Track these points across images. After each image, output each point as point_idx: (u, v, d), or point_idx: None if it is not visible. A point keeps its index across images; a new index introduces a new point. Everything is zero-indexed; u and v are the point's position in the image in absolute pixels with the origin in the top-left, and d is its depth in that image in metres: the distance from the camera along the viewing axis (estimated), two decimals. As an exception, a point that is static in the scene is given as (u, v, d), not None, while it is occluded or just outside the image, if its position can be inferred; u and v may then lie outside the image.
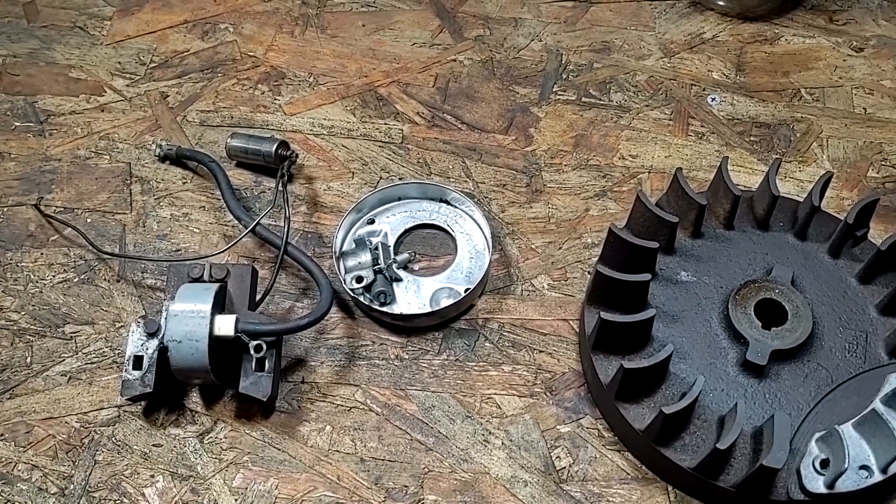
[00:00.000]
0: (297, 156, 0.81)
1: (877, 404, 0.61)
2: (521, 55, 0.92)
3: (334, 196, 0.82)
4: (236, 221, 0.77)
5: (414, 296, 0.74)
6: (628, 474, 0.66)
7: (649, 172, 0.83)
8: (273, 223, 0.79)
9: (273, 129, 0.86)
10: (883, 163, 0.83)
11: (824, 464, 0.60)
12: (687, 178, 0.81)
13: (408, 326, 0.73)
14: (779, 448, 0.57)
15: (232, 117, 0.88)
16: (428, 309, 0.73)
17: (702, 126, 0.86)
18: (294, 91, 0.90)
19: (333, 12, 0.96)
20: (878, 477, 0.59)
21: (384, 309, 0.72)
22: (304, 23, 0.95)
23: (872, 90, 0.88)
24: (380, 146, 0.85)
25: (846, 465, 0.57)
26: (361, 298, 0.72)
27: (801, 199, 0.73)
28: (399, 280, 0.75)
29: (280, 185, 0.77)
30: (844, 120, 0.86)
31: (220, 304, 0.68)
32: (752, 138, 0.85)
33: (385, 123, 0.87)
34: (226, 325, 0.65)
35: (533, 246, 0.78)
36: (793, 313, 0.66)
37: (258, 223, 0.75)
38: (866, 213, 0.70)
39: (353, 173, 0.83)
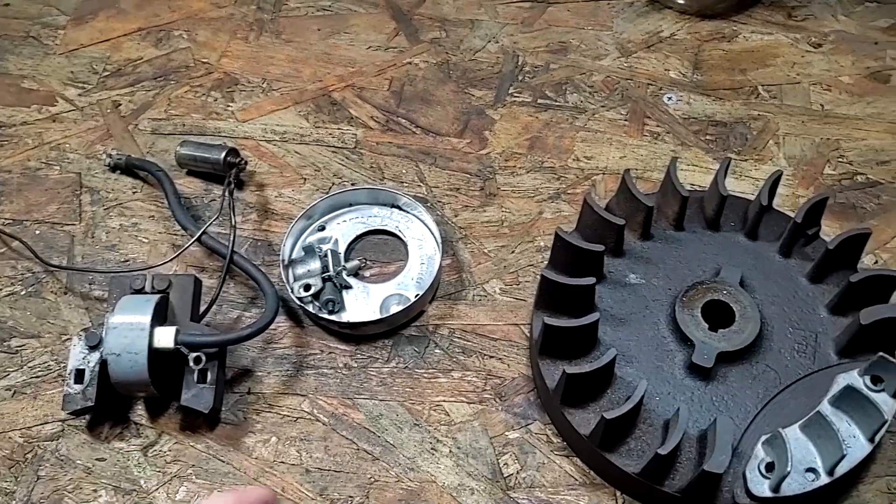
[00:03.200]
0: (245, 163, 0.80)
1: (822, 406, 0.60)
2: (477, 57, 0.91)
3: (285, 203, 0.81)
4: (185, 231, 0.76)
5: (364, 303, 0.73)
6: (576, 480, 0.65)
7: (604, 174, 0.82)
8: (222, 232, 0.78)
9: (225, 136, 0.86)
10: (840, 160, 0.82)
11: (770, 467, 0.59)
12: (641, 178, 0.81)
13: (357, 334, 0.72)
14: (721, 452, 0.56)
15: (184, 125, 0.87)
16: (377, 316, 0.72)
17: (657, 126, 0.85)
18: (247, 97, 0.89)
19: (289, 17, 0.96)
20: (824, 479, 0.59)
21: (332, 317, 0.71)
22: (258, 28, 0.95)
23: (830, 86, 0.87)
24: (333, 151, 0.84)
25: (789, 468, 0.57)
26: (309, 307, 0.72)
27: (753, 199, 0.72)
28: (349, 287, 0.74)
29: (227, 192, 0.76)
30: (801, 117, 0.85)
31: (162, 316, 0.67)
32: (707, 137, 0.84)
33: (338, 128, 0.86)
34: (165, 338, 0.64)
35: (485, 250, 0.77)
36: (740, 314, 0.65)
37: (204, 232, 0.74)
38: (816, 211, 0.69)
39: (304, 179, 0.82)
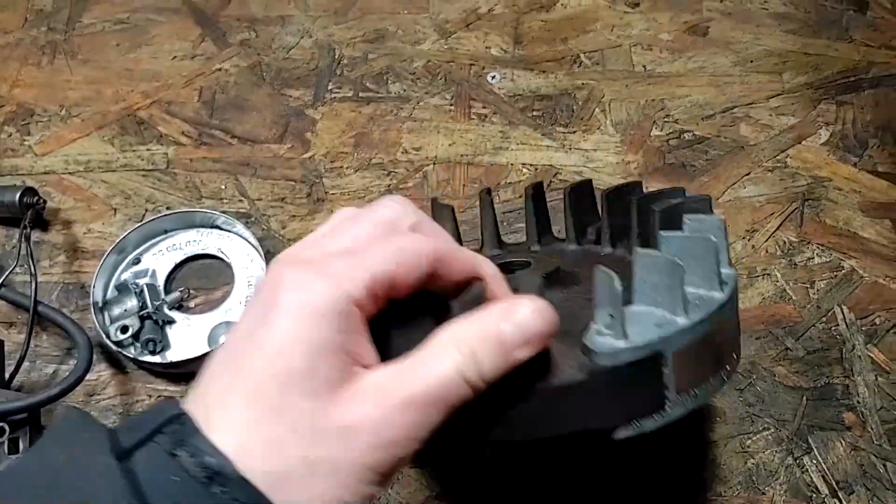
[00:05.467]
0: (44, 202, 0.74)
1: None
2: (291, 55, 0.86)
3: (96, 238, 0.74)
4: (-17, 285, 0.69)
5: (190, 337, 0.68)
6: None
7: (434, 163, 0.79)
8: (29, 280, 0.71)
9: (24, 175, 0.78)
10: (666, 119, 0.81)
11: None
12: (472, 163, 0.78)
13: (185, 372, 0.67)
14: None
15: (-24, 167, 0.79)
16: (205, 349, 0.67)
17: (483, 107, 0.82)
18: (45, 128, 0.81)
19: (84, 35, 0.88)
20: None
21: (155, 358, 0.66)
22: (51, 51, 0.87)
23: (651, 46, 0.87)
24: (143, 175, 0.78)
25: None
26: (129, 350, 0.66)
27: None
28: (172, 322, 0.69)
29: (23, 237, 0.70)
30: (625, 81, 0.84)
31: (-42, 387, 0.60)
32: (534, 113, 0.82)
33: (147, 149, 0.80)
34: (-40, 412, 0.58)
35: (319, 260, 0.73)
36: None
37: (2, 285, 0.67)
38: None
39: (115, 210, 0.76)
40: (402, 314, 0.39)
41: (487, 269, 0.42)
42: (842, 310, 0.70)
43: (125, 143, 0.80)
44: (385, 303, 0.37)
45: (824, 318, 0.69)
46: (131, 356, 0.66)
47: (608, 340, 0.40)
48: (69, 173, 0.78)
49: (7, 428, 0.59)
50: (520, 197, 0.76)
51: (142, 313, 0.67)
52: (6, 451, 0.60)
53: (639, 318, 0.40)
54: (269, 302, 0.35)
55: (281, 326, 0.34)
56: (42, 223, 0.75)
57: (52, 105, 0.83)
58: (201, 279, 0.72)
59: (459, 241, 0.61)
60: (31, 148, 0.80)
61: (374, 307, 0.37)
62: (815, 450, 0.63)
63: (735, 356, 0.46)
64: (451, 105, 0.82)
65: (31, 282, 0.67)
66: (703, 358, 0.42)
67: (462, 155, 0.79)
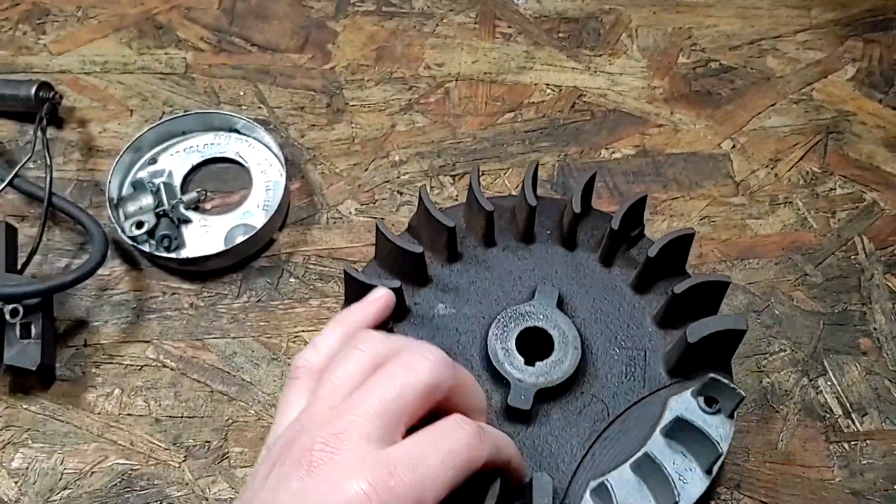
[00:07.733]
0: (60, 97, 0.72)
1: (653, 444, 0.53)
2: (313, -33, 0.85)
3: (111, 138, 0.73)
4: None
5: (206, 237, 0.68)
6: None
7: (456, 80, 0.77)
8: (42, 175, 0.70)
9: (39, 73, 0.77)
10: (693, 48, 0.80)
11: None
12: (496, 82, 0.77)
13: (201, 271, 0.67)
14: None
15: (-10, 63, 0.78)
16: (221, 248, 0.66)
17: (509, 27, 0.81)
18: (61, 27, 0.80)
19: (102, -63, 0.86)
20: None
21: (170, 255, 0.65)
22: (68, -49, 0.85)
23: (679, -25, 0.85)
24: (161, 78, 0.77)
25: None
26: (144, 246, 0.65)
27: (568, 199, 0.62)
28: (188, 221, 0.68)
29: (39, 130, 0.68)
30: (653, 7, 0.82)
31: (-29, 270, 0.60)
32: (560, 35, 0.80)
33: (166, 53, 0.78)
34: (-26, 292, 0.57)
35: (337, 170, 0.72)
36: (559, 341, 0.56)
37: (15, 176, 0.66)
38: (635, 213, 0.61)
39: (131, 111, 0.75)
40: None
41: (512, 459, 0.46)
42: (862, 240, 0.69)
43: (143, 45, 0.79)
44: None
45: (844, 248, 0.69)
46: (146, 252, 0.65)
47: None
48: (85, 73, 0.77)
49: (21, 310, 0.58)
50: (543, 116, 0.75)
51: (157, 210, 0.67)
52: (18, 334, 0.59)
53: None
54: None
55: None
56: (57, 121, 0.74)
57: (68, 5, 0.81)
58: (218, 182, 0.71)
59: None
60: (47, 47, 0.79)
61: None
62: (829, 372, 0.63)
63: None
64: (476, 23, 0.81)
65: (46, 174, 0.66)
66: None
67: (485, 73, 0.78)
